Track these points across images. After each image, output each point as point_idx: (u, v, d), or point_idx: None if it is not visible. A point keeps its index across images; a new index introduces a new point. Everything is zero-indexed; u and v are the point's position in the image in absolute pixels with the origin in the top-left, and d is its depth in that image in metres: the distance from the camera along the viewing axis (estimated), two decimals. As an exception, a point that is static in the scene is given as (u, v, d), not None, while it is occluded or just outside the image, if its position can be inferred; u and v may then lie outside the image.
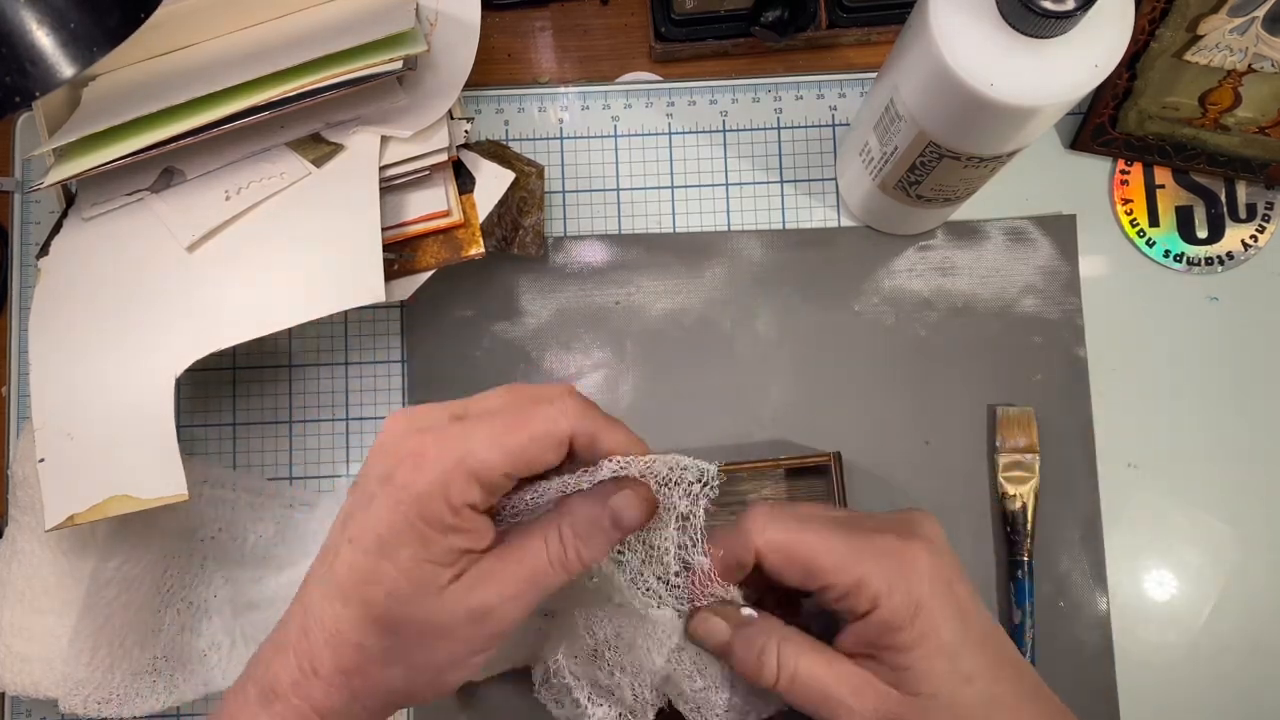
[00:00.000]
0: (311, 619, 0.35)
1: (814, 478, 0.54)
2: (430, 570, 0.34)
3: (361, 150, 0.48)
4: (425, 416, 0.35)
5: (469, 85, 0.50)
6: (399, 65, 0.45)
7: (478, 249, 0.50)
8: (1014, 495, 0.53)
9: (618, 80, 0.59)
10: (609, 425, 0.36)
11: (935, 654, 0.37)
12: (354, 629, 0.34)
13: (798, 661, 0.38)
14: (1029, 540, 0.53)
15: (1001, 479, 0.53)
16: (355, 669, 0.35)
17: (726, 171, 0.57)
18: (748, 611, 0.40)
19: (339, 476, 0.55)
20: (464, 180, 0.51)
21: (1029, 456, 0.53)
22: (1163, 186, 0.57)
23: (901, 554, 0.38)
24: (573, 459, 0.36)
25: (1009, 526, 0.53)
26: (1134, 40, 0.49)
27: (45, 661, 0.48)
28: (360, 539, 0.34)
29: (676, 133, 0.58)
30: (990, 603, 0.53)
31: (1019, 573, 0.52)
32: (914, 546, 0.38)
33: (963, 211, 0.56)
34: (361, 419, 0.56)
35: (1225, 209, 0.56)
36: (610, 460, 0.36)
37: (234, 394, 0.56)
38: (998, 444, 0.53)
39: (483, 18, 0.51)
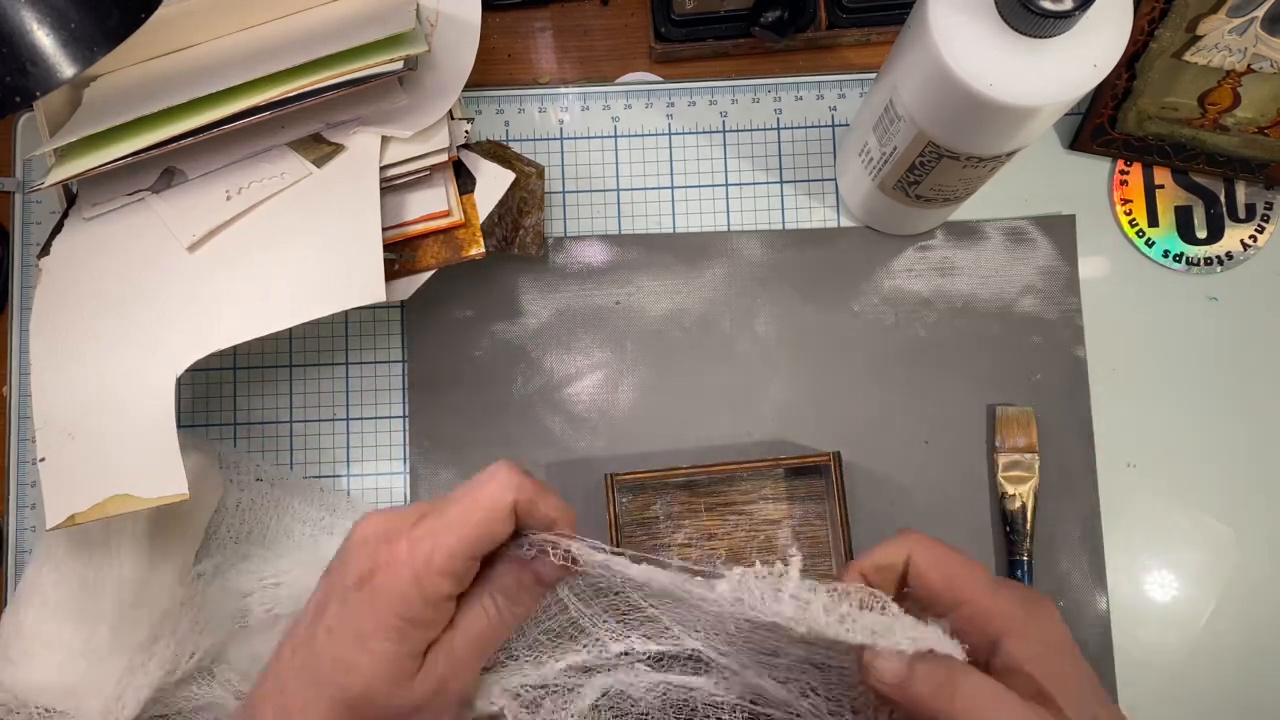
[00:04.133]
0: (288, 699, 0.37)
1: (814, 477, 0.54)
2: (404, 662, 0.37)
3: (362, 150, 0.48)
4: (396, 520, 0.38)
5: (469, 85, 0.50)
6: (399, 65, 0.45)
7: (478, 249, 0.50)
8: (1014, 495, 0.53)
9: (618, 81, 0.59)
10: (544, 491, 0.39)
11: (1070, 696, 0.35)
12: (329, 714, 0.37)
13: (974, 694, 0.35)
14: (1028, 540, 0.53)
15: (1001, 479, 0.53)
16: None
17: (726, 172, 0.58)
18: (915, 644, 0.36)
19: (339, 476, 0.55)
20: (464, 180, 0.51)
21: (1029, 456, 0.53)
22: (1162, 187, 0.57)
23: (1037, 601, 0.37)
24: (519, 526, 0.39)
25: (1009, 526, 0.53)
26: (1133, 40, 0.49)
27: (56, 668, 0.48)
28: (339, 631, 0.37)
29: (676, 133, 0.58)
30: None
31: (1019, 572, 0.52)
32: (1047, 602, 0.37)
33: (962, 211, 0.56)
34: (361, 419, 0.56)
35: (1224, 209, 0.56)
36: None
37: (234, 394, 0.56)
38: (997, 444, 0.53)
39: (483, 18, 0.51)
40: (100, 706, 0.48)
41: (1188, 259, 0.56)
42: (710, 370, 0.56)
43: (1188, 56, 0.50)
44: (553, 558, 0.38)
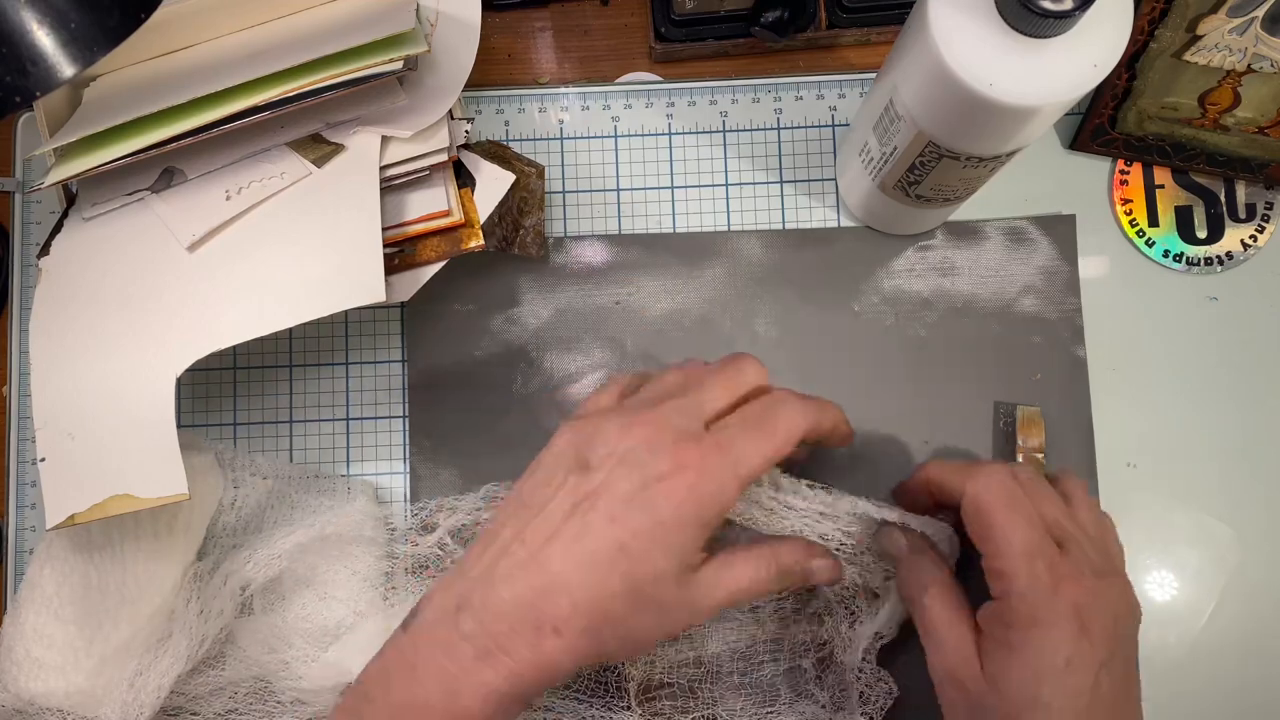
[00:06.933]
0: (559, 586, 0.39)
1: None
2: (691, 560, 0.40)
3: (362, 150, 0.48)
4: (685, 424, 0.41)
5: (469, 85, 0.50)
6: (399, 65, 0.45)
7: (477, 240, 0.50)
8: None
9: (618, 81, 0.59)
10: (825, 408, 0.44)
11: (1035, 675, 0.40)
12: (609, 600, 0.39)
13: (932, 603, 0.44)
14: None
15: None
16: (594, 631, 0.39)
17: (726, 171, 0.58)
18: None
19: (340, 476, 0.55)
20: (464, 180, 0.51)
21: (1040, 456, 0.53)
22: (1162, 186, 0.57)
23: (979, 465, 0.45)
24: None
25: None
26: (1133, 40, 0.49)
27: (60, 670, 0.48)
28: (630, 523, 0.39)
29: (676, 133, 0.58)
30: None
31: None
32: (985, 464, 0.45)
33: (962, 211, 0.56)
34: (361, 419, 0.56)
35: (1225, 209, 0.56)
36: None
37: (234, 394, 0.56)
38: (1020, 443, 0.53)
39: (483, 18, 0.51)
40: (118, 712, 0.48)
41: (1188, 259, 0.56)
42: (710, 370, 0.56)
43: (1188, 56, 0.50)
44: (826, 565, 0.45)
